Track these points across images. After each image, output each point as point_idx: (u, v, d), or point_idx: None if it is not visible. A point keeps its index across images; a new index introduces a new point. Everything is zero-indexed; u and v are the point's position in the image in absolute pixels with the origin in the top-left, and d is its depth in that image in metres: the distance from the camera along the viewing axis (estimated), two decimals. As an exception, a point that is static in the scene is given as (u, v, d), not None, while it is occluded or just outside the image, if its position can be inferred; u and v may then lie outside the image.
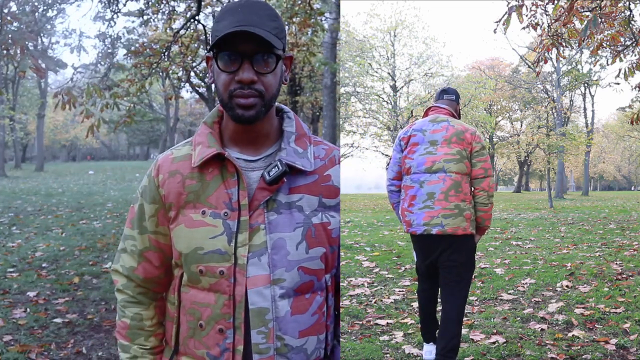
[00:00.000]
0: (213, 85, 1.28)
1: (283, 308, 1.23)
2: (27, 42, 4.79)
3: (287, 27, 9.65)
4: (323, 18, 9.81)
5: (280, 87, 1.27)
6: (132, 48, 9.06)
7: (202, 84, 23.43)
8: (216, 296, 1.24)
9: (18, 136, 32.39)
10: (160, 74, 9.00)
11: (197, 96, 26.64)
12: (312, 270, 1.26)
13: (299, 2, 8.27)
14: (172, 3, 8.70)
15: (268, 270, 1.22)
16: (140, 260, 1.36)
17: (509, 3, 4.64)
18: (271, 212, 1.24)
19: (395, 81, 23.19)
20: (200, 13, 8.33)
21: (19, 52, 4.61)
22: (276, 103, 1.34)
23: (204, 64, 19.58)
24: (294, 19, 8.28)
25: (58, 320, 4.46)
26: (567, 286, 5.27)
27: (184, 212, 1.27)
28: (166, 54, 8.02)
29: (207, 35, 8.67)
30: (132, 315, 1.37)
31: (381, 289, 5.33)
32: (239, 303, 1.22)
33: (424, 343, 3.45)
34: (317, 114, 25.48)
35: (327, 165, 1.31)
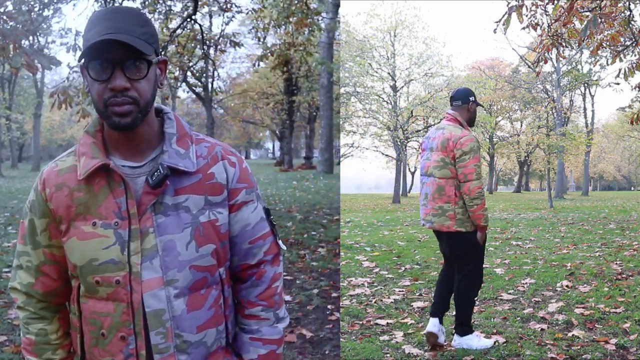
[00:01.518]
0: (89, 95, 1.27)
1: (179, 307, 1.26)
2: (21, 40, 4.78)
3: (284, 27, 9.58)
4: (320, 18, 9.80)
5: (156, 91, 1.29)
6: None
7: (199, 83, 23.37)
8: (114, 305, 1.26)
9: (14, 136, 32.31)
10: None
11: (194, 96, 26.56)
12: (203, 267, 1.30)
13: (296, 1, 8.25)
14: (168, 2, 8.68)
15: (161, 273, 1.25)
16: (37, 275, 1.36)
17: (509, 3, 4.64)
18: (159, 215, 1.26)
19: (395, 81, 23.16)
20: (197, 12, 8.31)
21: (11, 49, 4.59)
22: (156, 104, 1.36)
23: (200, 63, 19.50)
24: (291, 19, 8.26)
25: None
26: (567, 286, 5.27)
27: (74, 224, 1.27)
28: (162, 53, 7.99)
29: (204, 34, 8.64)
30: (36, 332, 1.37)
31: (381, 289, 5.33)
32: (137, 310, 1.25)
33: (430, 317, 3.66)
34: (314, 114, 25.42)
35: (209, 163, 1.33)
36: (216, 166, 1.33)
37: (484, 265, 3.75)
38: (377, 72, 23.10)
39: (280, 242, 1.47)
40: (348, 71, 22.05)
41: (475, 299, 3.79)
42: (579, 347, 3.62)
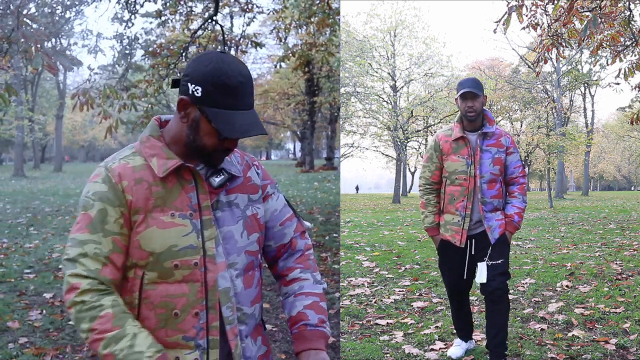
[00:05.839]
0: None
1: (239, 285, 1.52)
2: (43, 41, 4.79)
3: (305, 27, 9.55)
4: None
5: None
6: (150, 49, 9.00)
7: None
8: (189, 285, 1.45)
9: (37, 137, 32.37)
10: (178, 74, 9.02)
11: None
12: (253, 252, 1.57)
13: (317, 1, 8.22)
14: (189, 4, 8.67)
15: (224, 257, 1.49)
16: (106, 262, 1.43)
17: (509, 3, 4.63)
18: (217, 211, 1.51)
19: (395, 81, 23.15)
20: (218, 13, 8.30)
21: (33, 50, 4.61)
22: None
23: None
24: (312, 19, 8.23)
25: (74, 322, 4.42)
26: (567, 286, 5.27)
27: (152, 215, 1.45)
28: (184, 54, 7.99)
29: (225, 35, 8.61)
30: (111, 304, 1.40)
31: (381, 289, 5.33)
32: (211, 288, 1.47)
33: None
34: (336, 114, 25.35)
35: (245, 169, 1.62)
36: (250, 171, 1.62)
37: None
38: (377, 72, 23.07)
39: (303, 221, 1.73)
40: (348, 71, 22.04)
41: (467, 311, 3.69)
42: (579, 347, 3.62)
